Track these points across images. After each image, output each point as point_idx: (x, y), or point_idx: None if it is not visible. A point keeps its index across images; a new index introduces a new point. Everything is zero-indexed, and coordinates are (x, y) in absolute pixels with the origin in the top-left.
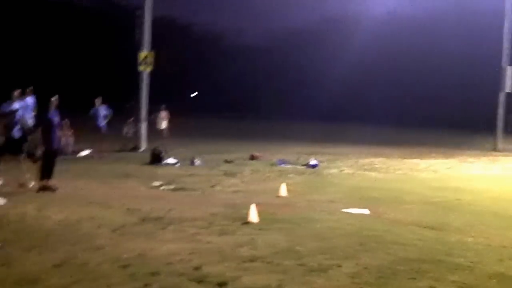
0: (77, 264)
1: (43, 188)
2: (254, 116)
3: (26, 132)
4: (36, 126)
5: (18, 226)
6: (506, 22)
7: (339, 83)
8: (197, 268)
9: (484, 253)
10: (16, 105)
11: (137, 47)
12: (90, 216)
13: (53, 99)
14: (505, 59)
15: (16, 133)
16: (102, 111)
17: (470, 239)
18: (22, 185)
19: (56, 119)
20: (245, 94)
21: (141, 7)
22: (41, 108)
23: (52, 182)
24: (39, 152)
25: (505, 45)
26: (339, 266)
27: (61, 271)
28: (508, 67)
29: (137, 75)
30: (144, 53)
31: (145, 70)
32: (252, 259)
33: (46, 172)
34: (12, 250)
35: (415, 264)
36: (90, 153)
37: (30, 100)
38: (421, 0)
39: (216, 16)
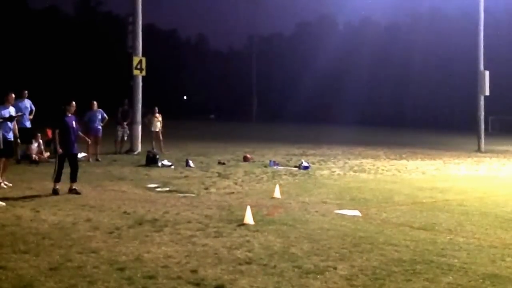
0: (73, 267)
1: (55, 192)
2: (238, 118)
3: (20, 135)
4: (52, 128)
5: (13, 229)
6: (480, 29)
7: (319, 86)
8: (193, 271)
9: (476, 253)
10: (11, 109)
11: (129, 53)
12: (86, 219)
13: (71, 104)
14: (482, 63)
15: (9, 136)
16: (98, 115)
17: (461, 240)
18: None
19: (73, 123)
20: (227, 97)
21: (132, 14)
22: (57, 112)
23: (77, 186)
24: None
25: (481, 50)
26: (335, 268)
27: (56, 274)
28: (486, 72)
29: (129, 79)
30: (138, 58)
31: (139, 74)
32: (248, 262)
33: (58, 175)
34: (7, 253)
35: (408, 265)
36: (85, 156)
37: (26, 103)
38: (397, 6)
39: (197, 22)
